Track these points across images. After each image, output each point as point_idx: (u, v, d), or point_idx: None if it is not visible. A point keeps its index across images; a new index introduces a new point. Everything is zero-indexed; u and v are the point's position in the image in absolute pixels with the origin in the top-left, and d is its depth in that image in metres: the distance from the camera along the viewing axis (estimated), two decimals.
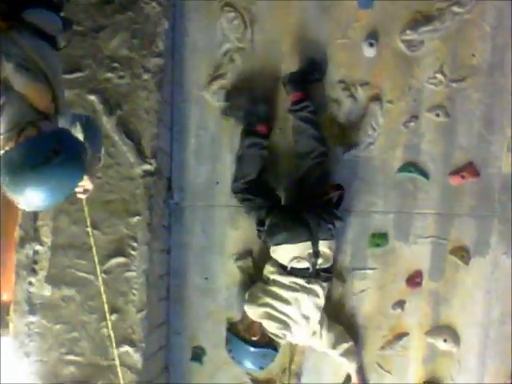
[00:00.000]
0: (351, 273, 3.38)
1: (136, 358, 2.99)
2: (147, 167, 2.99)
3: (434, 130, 3.32)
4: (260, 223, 3.13)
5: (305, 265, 3.07)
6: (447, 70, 3.28)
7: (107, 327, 2.81)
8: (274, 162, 3.36)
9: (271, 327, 3.07)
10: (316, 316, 3.13)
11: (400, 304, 3.38)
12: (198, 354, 3.42)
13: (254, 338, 3.07)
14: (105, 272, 2.97)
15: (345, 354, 3.26)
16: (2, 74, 1.96)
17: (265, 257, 3.27)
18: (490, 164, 3.33)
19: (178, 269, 3.40)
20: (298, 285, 3.07)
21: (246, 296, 3.21)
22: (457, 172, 3.33)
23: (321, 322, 3.17)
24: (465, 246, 3.37)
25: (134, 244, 2.98)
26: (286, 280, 3.08)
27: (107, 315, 2.62)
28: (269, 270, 3.17)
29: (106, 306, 2.58)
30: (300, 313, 3.08)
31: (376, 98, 3.32)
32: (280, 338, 3.10)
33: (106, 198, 2.99)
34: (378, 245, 3.36)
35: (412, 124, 3.32)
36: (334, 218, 3.12)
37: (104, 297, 2.57)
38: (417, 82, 3.30)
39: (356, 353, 3.31)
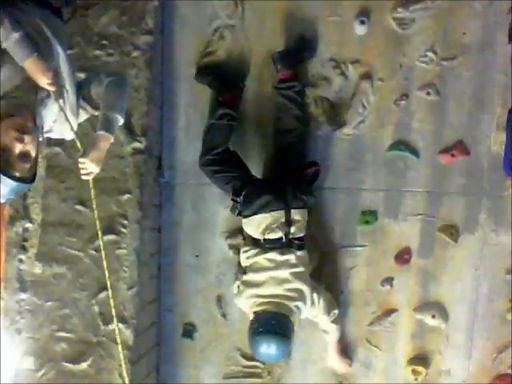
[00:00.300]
0: (340, 250, 3.41)
1: (127, 334, 3.02)
2: (137, 145, 2.99)
3: (425, 108, 3.32)
4: (236, 193, 3.07)
5: (278, 234, 3.03)
6: (438, 48, 3.26)
7: (109, 299, 2.74)
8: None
9: None
10: (303, 285, 3.04)
11: (389, 281, 3.42)
12: (188, 331, 3.46)
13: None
14: (95, 249, 2.99)
15: (335, 320, 3.25)
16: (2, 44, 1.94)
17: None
18: (480, 142, 3.34)
19: (169, 247, 3.41)
20: (272, 261, 3.03)
21: (234, 290, 3.22)
22: (447, 150, 3.34)
23: (312, 289, 3.10)
24: (454, 223, 3.39)
25: (125, 222, 3.00)
26: (260, 259, 3.04)
27: (109, 290, 2.57)
28: (243, 258, 3.14)
29: (108, 281, 2.52)
30: (285, 288, 3.01)
31: (367, 76, 3.30)
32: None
33: (96, 176, 2.97)
34: (367, 222, 3.38)
35: (403, 102, 3.31)
36: (308, 193, 3.12)
37: (106, 272, 2.53)
38: (408, 61, 3.28)
39: (340, 321, 3.32)
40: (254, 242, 3.10)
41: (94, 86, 2.33)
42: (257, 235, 3.07)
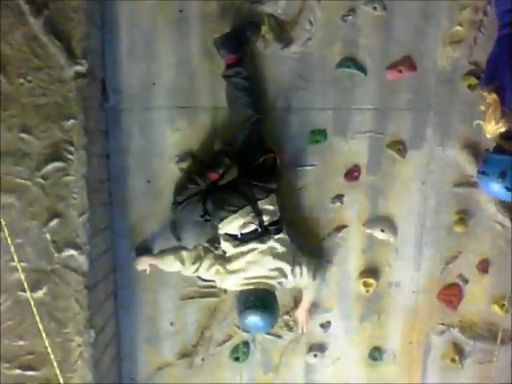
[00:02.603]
0: (292, 170, 3.43)
1: (81, 260, 3.02)
2: (79, 68, 2.89)
3: (372, 23, 3.30)
4: (205, 212, 3.19)
5: (253, 227, 3.16)
6: None
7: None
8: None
9: None
10: (284, 264, 3.21)
11: (339, 198, 3.49)
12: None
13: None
14: (42, 177, 2.94)
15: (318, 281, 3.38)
16: None
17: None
18: (427, 57, 3.36)
19: (119, 173, 3.36)
20: (254, 249, 3.17)
21: (210, 271, 3.26)
22: (394, 66, 3.35)
23: (294, 265, 3.24)
24: (401, 139, 3.45)
25: (71, 148, 2.93)
26: (242, 249, 3.18)
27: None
28: (225, 249, 3.26)
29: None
30: (268, 269, 3.19)
31: None
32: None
33: (38, 102, 2.90)
34: (317, 141, 3.41)
35: (350, 18, 3.28)
36: (269, 181, 3.20)
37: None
38: None
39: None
40: (234, 237, 3.20)
41: None
42: (234, 232, 3.19)
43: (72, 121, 2.91)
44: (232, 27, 3.21)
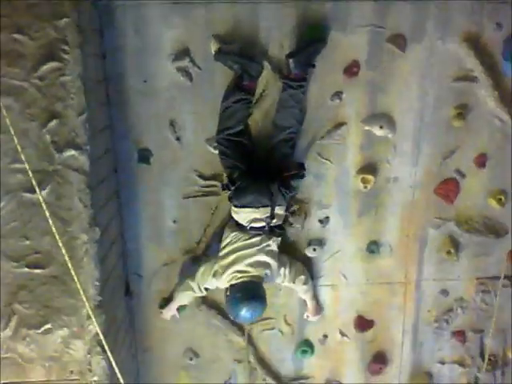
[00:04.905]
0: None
1: (82, 160, 3.02)
2: None
3: None
4: (230, 182, 3.35)
5: (261, 224, 3.41)
6: None
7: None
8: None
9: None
10: (272, 260, 3.48)
11: (338, 95, 3.47)
12: (144, 156, 3.50)
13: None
14: (39, 78, 2.90)
15: (305, 283, 3.70)
16: None
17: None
18: None
19: (115, 73, 3.32)
20: (253, 245, 3.43)
21: (209, 274, 3.50)
22: None
23: (280, 264, 3.54)
24: (401, 33, 3.38)
25: (66, 47, 2.87)
26: (241, 242, 3.43)
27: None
28: (227, 240, 3.50)
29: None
30: (258, 261, 3.44)
31: None
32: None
33: (30, 1, 2.82)
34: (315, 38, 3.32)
35: None
36: (292, 190, 3.42)
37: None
38: None
39: (311, 283, 3.78)
40: (240, 227, 3.46)
41: None
42: (244, 223, 3.43)
43: (65, 19, 2.83)
44: (305, 45, 3.30)
